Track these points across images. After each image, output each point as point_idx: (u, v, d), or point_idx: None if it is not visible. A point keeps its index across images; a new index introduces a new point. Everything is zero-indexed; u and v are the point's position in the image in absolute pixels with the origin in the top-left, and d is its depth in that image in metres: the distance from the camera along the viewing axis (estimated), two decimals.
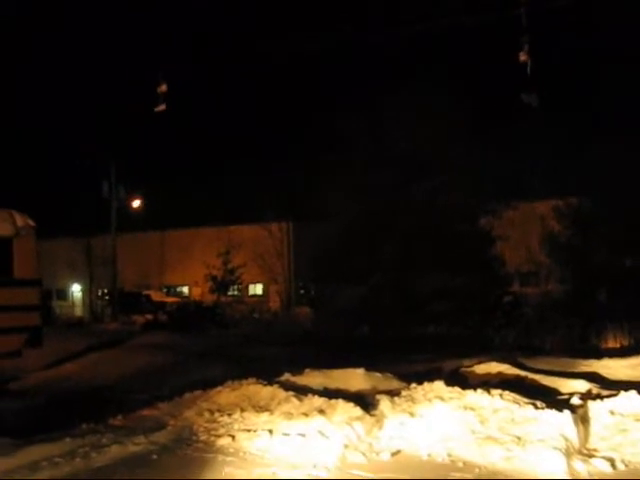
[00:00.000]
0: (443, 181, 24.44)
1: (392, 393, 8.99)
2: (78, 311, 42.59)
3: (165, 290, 42.77)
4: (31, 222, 13.81)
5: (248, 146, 39.22)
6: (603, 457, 6.68)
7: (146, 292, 37.87)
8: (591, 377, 10.18)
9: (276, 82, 38.15)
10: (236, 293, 38.14)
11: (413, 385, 9.27)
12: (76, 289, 46.88)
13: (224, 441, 7.90)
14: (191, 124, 38.71)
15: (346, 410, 8.18)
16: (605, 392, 8.79)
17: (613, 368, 11.04)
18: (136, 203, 37.80)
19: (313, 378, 10.23)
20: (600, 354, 12.78)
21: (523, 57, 12.48)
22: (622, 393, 7.92)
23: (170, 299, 37.84)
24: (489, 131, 23.76)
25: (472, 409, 7.85)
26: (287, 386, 9.54)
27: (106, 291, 38.66)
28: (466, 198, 24.88)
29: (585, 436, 7.21)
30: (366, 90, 26.60)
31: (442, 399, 8.22)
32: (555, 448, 6.67)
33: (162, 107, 15.58)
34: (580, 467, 6.48)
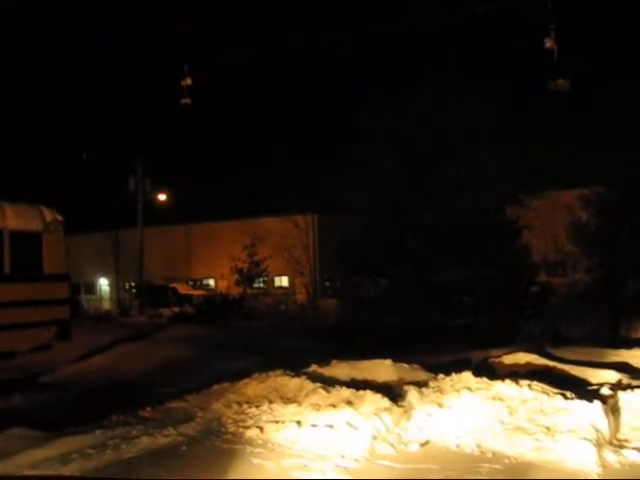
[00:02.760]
0: (468, 171, 24.24)
1: (420, 384, 8.97)
2: (106, 305, 42.96)
3: (191, 283, 43.02)
4: (59, 217, 13.97)
5: (274, 139, 39.25)
6: (634, 448, 6.63)
7: (173, 285, 38.13)
8: (621, 367, 10.07)
9: (303, 74, 38.15)
10: (262, 285, 38.25)
11: (441, 376, 9.23)
12: (104, 283, 47.37)
13: (252, 432, 7.95)
14: (217, 117, 38.87)
15: (374, 401, 8.18)
16: (635, 382, 8.70)
17: None
18: (162, 197, 38.05)
19: (340, 369, 10.23)
20: (630, 344, 12.64)
21: (549, 43, 12.30)
22: None
23: (196, 292, 38.08)
24: (515, 120, 23.50)
25: (500, 400, 7.81)
26: (314, 377, 9.55)
27: (133, 284, 38.97)
28: (492, 188, 24.66)
29: (616, 427, 7.15)
30: (391, 80, 26.47)
31: (470, 390, 8.18)
32: (585, 439, 6.62)
33: (187, 100, 15.63)
34: (611, 458, 6.44)
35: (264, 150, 38.90)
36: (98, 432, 7.99)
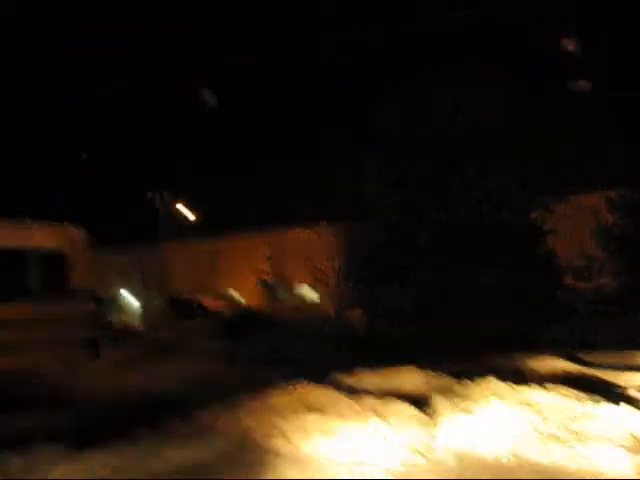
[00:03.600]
0: (493, 176, 24.09)
1: (446, 391, 8.89)
2: (133, 320, 43.19)
3: (218, 296, 43.13)
4: (86, 235, 14.08)
5: (294, 149, 39.32)
6: None
7: (199, 299, 38.25)
8: None
9: (320, 81, 38.16)
10: (286, 296, 38.23)
11: (467, 382, 9.14)
12: (130, 298, 47.62)
13: (278, 442, 7.92)
14: (236, 128, 39.00)
15: (401, 410, 8.12)
16: None
17: None
18: (185, 210, 38.30)
19: (365, 378, 10.19)
20: None
21: (570, 44, 12.19)
22: None
23: (223, 305, 38.15)
24: (539, 122, 23.30)
25: (529, 405, 7.71)
26: (339, 386, 9.52)
27: (160, 299, 39.14)
28: (517, 192, 24.49)
29: None
30: (409, 81, 26.36)
31: (498, 396, 8.09)
32: (620, 445, 6.50)
33: (205, 109, 15.72)
34: None
35: (286, 160, 38.97)
36: (125, 446, 8.00)
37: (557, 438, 7.02)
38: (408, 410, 8.04)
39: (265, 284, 34.97)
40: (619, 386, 9.12)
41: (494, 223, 24.27)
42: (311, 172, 34.53)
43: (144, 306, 43.00)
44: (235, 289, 43.92)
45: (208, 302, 38.67)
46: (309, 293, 41.89)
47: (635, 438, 6.73)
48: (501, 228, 24.20)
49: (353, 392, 9.07)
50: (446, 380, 9.99)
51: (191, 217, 39.09)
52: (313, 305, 36.14)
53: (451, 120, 22.99)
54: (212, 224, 40.18)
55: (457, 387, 9.04)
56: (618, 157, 24.66)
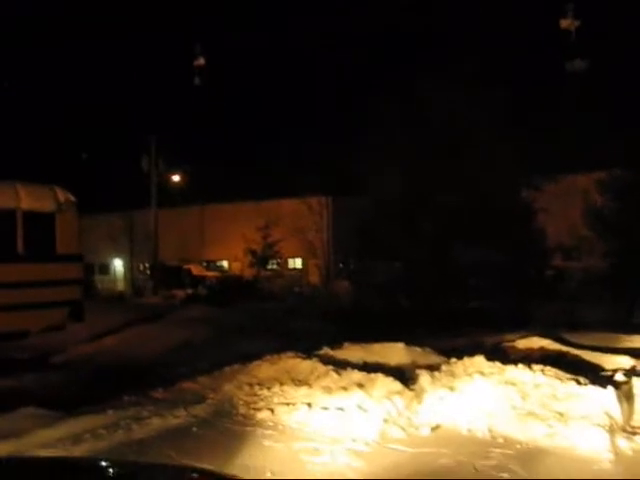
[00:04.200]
0: (484, 154, 24.04)
1: (432, 368, 8.92)
2: (119, 285, 43.19)
3: (205, 264, 43.12)
4: (73, 198, 13.97)
5: (289, 120, 39.12)
6: None
7: (186, 266, 38.24)
8: (635, 353, 9.94)
9: (321, 55, 37.92)
10: (275, 267, 38.28)
11: (453, 360, 9.17)
12: (117, 264, 47.54)
13: (263, 414, 7.95)
14: (232, 99, 38.70)
15: (385, 384, 8.14)
16: None
17: None
18: (176, 178, 38.07)
19: (352, 352, 10.21)
20: None
21: (566, 23, 12.08)
22: None
23: (210, 273, 38.16)
24: (533, 102, 23.25)
25: (513, 384, 7.75)
26: (326, 360, 9.53)
27: (147, 265, 39.12)
28: (508, 171, 24.46)
29: (629, 413, 7.07)
30: (407, 64, 26.29)
31: (482, 374, 8.13)
32: (598, 425, 6.56)
33: (200, 81, 15.52)
34: (623, 445, 6.37)
35: (279, 131, 38.83)
36: (110, 412, 8.01)
37: (537, 416, 7.07)
38: (393, 385, 8.07)
39: (254, 253, 34.94)
40: (602, 367, 9.20)
41: (486, 202, 24.30)
42: (307, 145, 34.48)
43: (132, 272, 42.95)
44: (224, 257, 43.91)
45: (196, 269, 38.66)
46: (297, 264, 41.98)
47: (613, 419, 6.79)
48: (491, 207, 24.24)
49: (340, 366, 9.09)
50: (432, 357, 10.04)
51: (182, 184, 38.87)
52: (301, 276, 36.25)
53: (449, 100, 22.90)
54: (203, 192, 39.98)
55: (443, 364, 9.07)
56: (609, 139, 24.63)
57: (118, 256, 46.74)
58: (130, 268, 44.94)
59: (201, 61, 14.45)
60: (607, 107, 23.62)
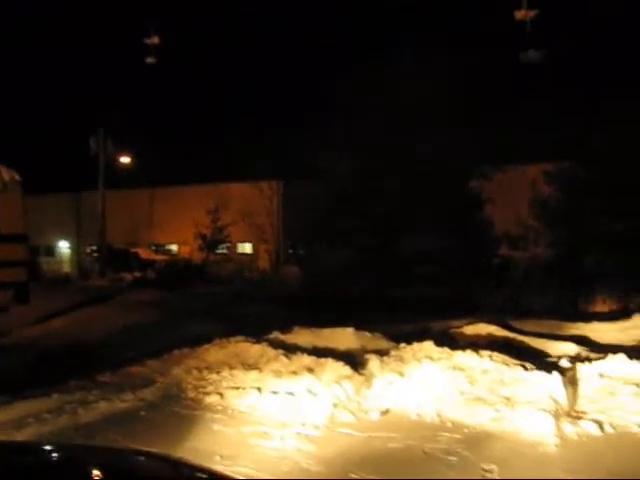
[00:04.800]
0: (434, 142, 24.27)
1: (381, 353, 8.99)
2: (66, 268, 42.32)
3: (154, 248, 42.59)
4: (18, 177, 13.59)
5: (240, 103, 38.80)
6: (592, 420, 6.70)
7: (134, 249, 37.70)
8: (580, 340, 10.20)
9: (268, 39, 37.66)
10: (225, 251, 38.04)
11: (402, 345, 9.26)
12: (64, 246, 46.62)
13: (212, 398, 7.90)
14: (183, 80, 38.13)
15: (335, 369, 8.18)
16: (594, 355, 8.80)
17: (602, 331, 11.07)
18: (125, 159, 37.41)
19: (302, 336, 10.21)
20: (589, 317, 12.82)
21: (521, 14, 12.19)
22: (611, 356, 7.93)
23: (159, 257, 37.70)
24: (484, 91, 23.50)
25: (461, 369, 7.85)
26: (276, 344, 9.52)
27: (94, 248, 38.43)
28: (457, 159, 24.73)
29: (574, 399, 7.23)
30: (360, 49, 26.29)
31: (431, 359, 8.22)
32: (544, 410, 6.69)
33: (153, 60, 15.20)
34: (569, 429, 6.50)
35: (231, 114, 38.48)
36: (55, 396, 7.86)
37: (484, 401, 7.18)
38: (343, 370, 8.11)
39: (204, 237, 34.67)
40: (547, 354, 9.38)
41: (436, 190, 24.54)
42: (260, 129, 34.24)
43: (78, 254, 42.19)
44: (173, 241, 43.45)
45: (145, 253, 38.16)
46: (247, 248, 41.78)
47: (558, 404, 6.94)
48: (441, 195, 24.50)
49: (289, 350, 9.09)
50: (382, 341, 10.10)
51: (132, 166, 38.22)
52: (250, 260, 36.08)
53: (402, 89, 23.01)
54: (153, 174, 39.39)
55: (392, 349, 9.15)
56: (557, 131, 25.04)
57: (64, 238, 45.84)
58: (77, 250, 44.10)
59: (155, 39, 14.18)
60: (558, 98, 23.99)
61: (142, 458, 3.26)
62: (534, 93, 23.44)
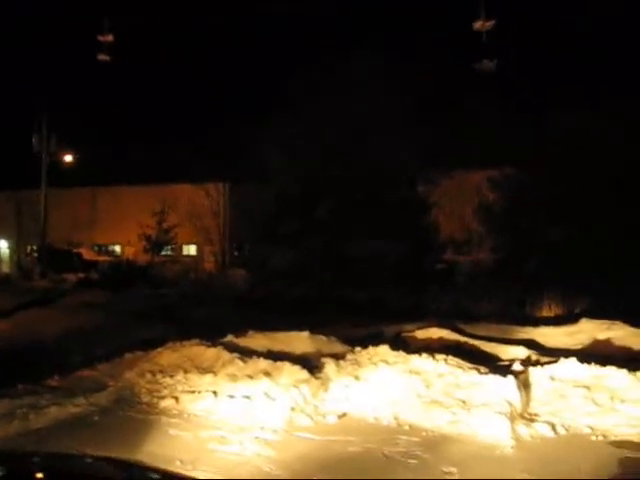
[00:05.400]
0: (382, 146, 24.47)
1: (337, 356, 9.01)
2: (5, 268, 41.25)
3: (97, 249, 41.86)
4: None
5: (187, 105, 38.42)
6: (545, 422, 6.86)
7: (77, 250, 36.97)
8: (530, 344, 10.40)
9: (217, 41, 37.42)
10: (170, 253, 37.64)
11: (358, 349, 9.29)
12: (3, 245, 45.42)
13: (167, 402, 7.81)
14: (131, 79, 37.50)
15: (292, 373, 8.17)
16: (544, 359, 9.00)
17: (550, 335, 11.32)
18: (68, 158, 36.64)
19: (257, 340, 10.16)
20: (536, 321, 13.10)
21: (479, 25, 12.39)
22: (562, 360, 8.11)
23: (102, 258, 37.07)
24: (433, 99, 23.80)
25: (417, 373, 7.93)
26: (231, 348, 9.44)
27: (35, 248, 37.56)
28: (404, 164, 24.99)
29: (527, 401, 7.37)
30: (309, 52, 26.36)
31: (387, 363, 8.28)
32: (499, 412, 6.81)
33: (105, 57, 14.92)
34: (523, 431, 6.64)
35: (178, 115, 38.09)
36: (4, 401, 7.65)
37: (441, 404, 7.28)
38: (299, 373, 8.10)
39: (148, 239, 34.25)
40: (499, 357, 9.56)
41: (381, 193, 24.76)
42: (207, 130, 33.98)
43: (18, 254, 41.15)
44: (117, 242, 42.78)
45: (87, 253, 37.47)
46: (192, 250, 41.43)
47: (513, 407, 7.07)
48: (387, 199, 24.73)
49: (245, 354, 9.02)
50: (337, 345, 10.13)
51: (75, 165, 37.46)
52: (196, 262, 35.77)
53: (354, 91, 23.15)
54: (96, 173, 38.70)
55: (348, 353, 9.18)
56: (502, 138, 25.54)
57: (4, 238, 44.65)
58: (17, 250, 43.01)
59: (109, 37, 13.92)
60: (504, 106, 24.50)
61: (91, 461, 3.24)
62: (482, 100, 23.88)
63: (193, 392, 7.94)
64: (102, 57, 14.95)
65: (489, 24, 12.29)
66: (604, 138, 21.79)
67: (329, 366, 8.38)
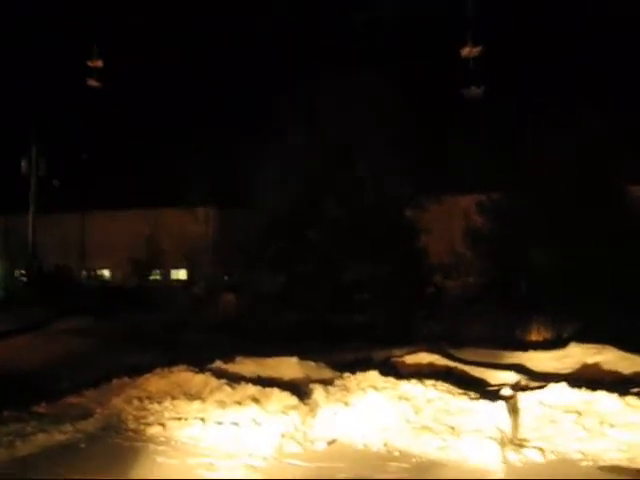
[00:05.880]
0: (372, 172, 24.57)
1: (326, 382, 8.97)
2: None
3: (85, 273, 41.64)
4: None
5: (176, 129, 38.47)
6: (534, 447, 6.84)
7: (68, 273, 36.69)
8: (519, 369, 10.39)
9: (205, 65, 37.54)
10: (159, 277, 37.48)
11: (346, 374, 9.27)
12: None
13: (154, 430, 7.75)
14: (118, 103, 37.52)
15: (280, 399, 8.13)
16: (533, 384, 8.99)
17: (539, 360, 11.30)
18: (56, 182, 36.57)
19: (245, 366, 10.11)
20: (525, 346, 13.07)
21: (465, 52, 12.52)
22: (551, 384, 8.11)
23: (92, 281, 36.89)
24: (422, 124, 23.96)
25: (406, 399, 7.91)
26: (219, 374, 9.40)
27: (23, 272, 37.28)
28: (393, 189, 25.08)
29: (516, 427, 7.36)
30: (296, 75, 26.47)
31: (376, 389, 8.25)
32: (489, 438, 6.80)
33: (95, 83, 14.95)
34: (512, 457, 6.63)
35: (166, 140, 38.13)
36: None
37: (430, 430, 7.24)
38: (288, 399, 8.06)
39: (137, 263, 34.11)
40: (488, 382, 9.54)
41: (370, 218, 24.81)
42: (196, 155, 34.06)
43: (6, 278, 40.83)
44: (105, 266, 42.58)
45: (79, 277, 37.29)
46: (181, 274, 41.25)
47: (503, 432, 7.05)
48: (377, 224, 24.79)
49: (233, 380, 8.98)
50: (326, 371, 10.08)
51: (64, 189, 37.38)
52: (185, 287, 35.62)
53: (340, 117, 23.29)
54: (85, 198, 38.63)
55: (337, 379, 9.15)
56: (490, 163, 25.72)
57: None
58: (3, 275, 42.68)
59: (98, 62, 13.95)
60: (492, 132, 24.73)
61: None
62: (470, 126, 24.12)
63: (181, 419, 7.89)
64: (92, 83, 14.97)
65: (476, 50, 12.42)
66: (586, 159, 22.03)
67: (318, 392, 8.35)
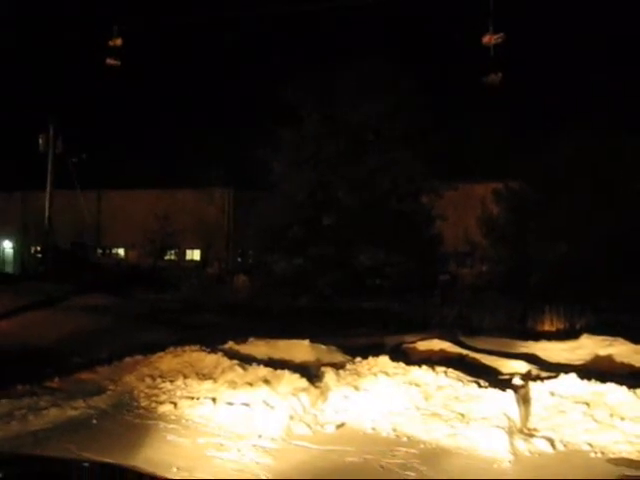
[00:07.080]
0: (388, 157, 24.51)
1: (337, 366, 9.00)
2: (9, 268, 41.30)
3: (101, 251, 41.90)
4: None
5: (193, 110, 38.54)
6: (543, 437, 6.83)
7: (83, 251, 37.00)
8: (530, 358, 10.37)
9: (224, 48, 37.58)
10: (173, 257, 37.66)
11: (358, 359, 9.29)
12: (7, 245, 45.45)
13: (166, 408, 7.81)
14: (138, 84, 37.65)
15: (291, 381, 8.15)
16: (544, 374, 8.96)
17: (551, 350, 11.27)
18: (74, 159, 36.67)
19: (257, 347, 10.15)
20: (537, 336, 13.04)
21: (487, 39, 12.41)
22: (562, 375, 8.08)
23: (107, 259, 37.13)
24: (439, 110, 23.89)
25: (417, 385, 7.92)
26: (231, 354, 9.44)
27: (39, 248, 37.54)
28: (409, 175, 25.02)
29: (526, 416, 7.34)
30: (317, 61, 26.45)
31: (387, 374, 8.26)
32: (498, 427, 6.79)
33: (115, 62, 14.95)
34: (521, 446, 6.61)
35: (184, 121, 38.21)
36: (3, 402, 7.66)
37: (440, 417, 7.26)
38: (299, 382, 8.08)
39: (152, 243, 34.28)
40: (500, 371, 9.53)
41: (387, 204, 24.79)
42: (213, 136, 34.09)
43: (22, 254, 41.18)
44: (121, 245, 42.79)
45: (93, 255, 37.53)
46: (196, 255, 41.42)
47: (512, 421, 7.05)
48: (393, 209, 24.77)
49: (245, 361, 9.02)
50: (337, 355, 10.11)
51: (81, 167, 37.49)
52: (199, 267, 35.76)
53: (357, 105, 23.24)
54: (103, 176, 38.78)
55: (348, 363, 9.18)
56: (507, 151, 25.56)
57: (8, 238, 44.69)
58: (21, 251, 43.02)
59: (117, 41, 13.96)
60: (512, 121, 24.58)
61: (87, 466, 3.24)
62: (489, 114, 23.95)
63: (192, 398, 7.94)
64: (111, 61, 14.97)
65: (497, 37, 12.31)
66: (608, 156, 21.86)
67: (329, 375, 8.37)
